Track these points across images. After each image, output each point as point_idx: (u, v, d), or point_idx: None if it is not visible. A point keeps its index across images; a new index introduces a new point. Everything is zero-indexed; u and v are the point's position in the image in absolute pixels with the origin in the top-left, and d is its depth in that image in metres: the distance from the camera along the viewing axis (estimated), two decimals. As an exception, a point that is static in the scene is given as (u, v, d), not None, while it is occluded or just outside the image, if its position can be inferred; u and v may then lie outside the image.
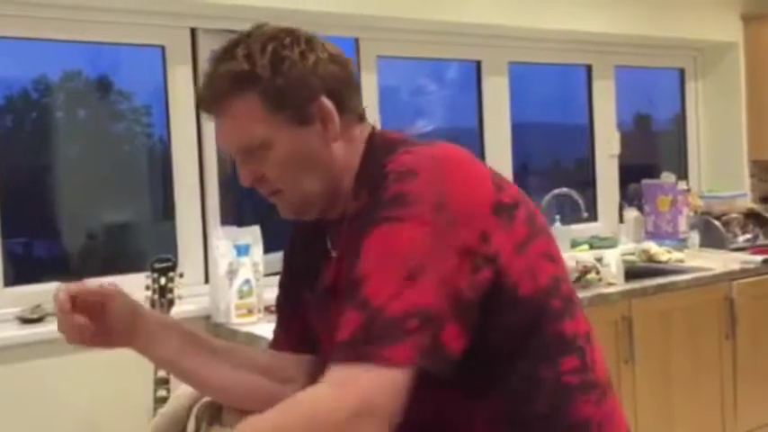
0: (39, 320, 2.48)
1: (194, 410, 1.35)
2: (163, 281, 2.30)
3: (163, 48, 2.89)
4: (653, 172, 4.25)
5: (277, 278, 1.44)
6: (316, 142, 1.18)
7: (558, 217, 3.81)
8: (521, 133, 3.86)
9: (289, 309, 1.39)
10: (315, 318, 1.31)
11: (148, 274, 2.33)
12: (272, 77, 1.14)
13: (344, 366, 0.97)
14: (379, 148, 1.21)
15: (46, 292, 2.54)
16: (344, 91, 1.20)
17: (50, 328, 2.41)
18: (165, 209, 2.99)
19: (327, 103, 1.17)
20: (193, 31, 2.92)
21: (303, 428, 0.97)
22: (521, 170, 3.98)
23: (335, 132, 1.18)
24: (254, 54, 1.14)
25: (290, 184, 1.19)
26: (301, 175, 1.18)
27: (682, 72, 4.54)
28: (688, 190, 4.08)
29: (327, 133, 1.18)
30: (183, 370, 1.30)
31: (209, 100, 1.19)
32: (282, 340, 1.40)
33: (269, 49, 1.15)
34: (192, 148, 2.93)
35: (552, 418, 1.12)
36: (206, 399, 1.36)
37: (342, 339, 0.99)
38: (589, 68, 4.15)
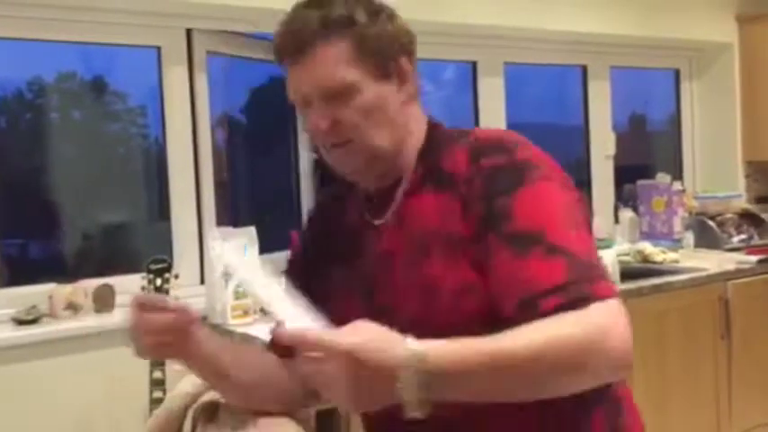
0: (34, 321, 2.47)
1: (190, 411, 1.35)
2: (159, 282, 2.30)
3: (158, 48, 2.88)
4: (648, 172, 4.25)
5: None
6: (393, 98, 1.22)
7: (553, 217, 3.81)
8: (516, 134, 3.86)
9: None
10: (347, 296, 1.27)
11: (144, 275, 2.32)
12: (367, 25, 1.19)
13: (577, 307, 1.00)
14: (443, 129, 1.27)
15: (41, 293, 2.54)
16: (413, 61, 1.25)
17: (46, 329, 2.43)
18: (161, 210, 2.98)
19: (407, 63, 1.22)
20: (189, 32, 2.91)
21: (570, 350, 0.98)
22: (517, 171, 3.97)
23: (410, 94, 1.23)
24: (351, 2, 1.19)
25: (363, 135, 1.20)
26: (375, 128, 1.20)
27: (677, 73, 4.55)
28: (683, 190, 4.09)
29: (402, 93, 1.22)
30: (225, 364, 1.27)
31: (295, 42, 1.19)
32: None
33: (363, 2, 1.21)
34: (188, 148, 2.92)
35: (602, 391, 1.15)
36: (202, 399, 1.36)
37: (557, 283, 1.03)
38: (584, 69, 4.16)
